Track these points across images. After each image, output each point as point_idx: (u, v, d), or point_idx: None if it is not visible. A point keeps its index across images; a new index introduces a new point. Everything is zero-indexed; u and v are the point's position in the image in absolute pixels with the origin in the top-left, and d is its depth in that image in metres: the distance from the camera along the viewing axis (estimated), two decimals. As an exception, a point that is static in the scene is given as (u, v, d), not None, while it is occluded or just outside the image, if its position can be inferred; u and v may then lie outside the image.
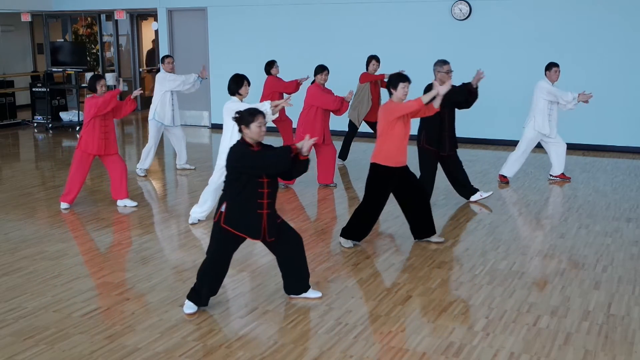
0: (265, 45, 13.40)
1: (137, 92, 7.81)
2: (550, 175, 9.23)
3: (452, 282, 5.68)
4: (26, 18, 15.90)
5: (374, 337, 4.66)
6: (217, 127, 14.04)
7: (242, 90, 6.97)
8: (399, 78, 6.10)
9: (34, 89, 14.73)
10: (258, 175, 4.77)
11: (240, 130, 4.82)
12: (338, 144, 10.52)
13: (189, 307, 5.03)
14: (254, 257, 6.28)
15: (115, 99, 7.62)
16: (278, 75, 10.08)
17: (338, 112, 8.40)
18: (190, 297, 5.04)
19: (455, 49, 11.86)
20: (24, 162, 11.42)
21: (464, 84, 7.44)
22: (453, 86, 7.51)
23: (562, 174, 9.19)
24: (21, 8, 15.58)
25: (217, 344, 4.56)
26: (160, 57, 9.92)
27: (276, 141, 11.09)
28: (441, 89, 6.08)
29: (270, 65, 10.06)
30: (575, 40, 11.20)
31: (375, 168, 6.26)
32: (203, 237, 7.05)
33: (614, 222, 7.30)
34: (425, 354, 4.42)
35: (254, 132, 4.75)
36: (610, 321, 4.88)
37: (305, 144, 4.70)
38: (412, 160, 9.36)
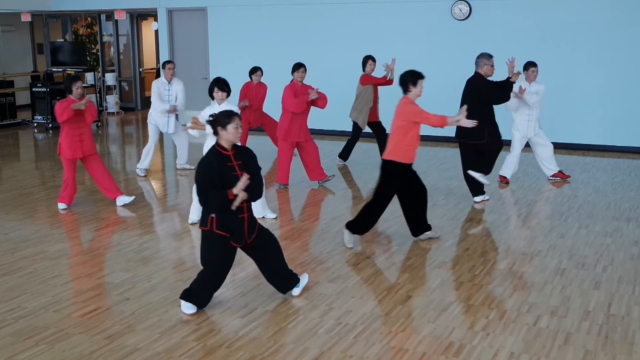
0: (266, 45, 13.40)
1: (79, 105, 7.51)
2: (549, 177, 9.23)
3: (452, 282, 5.68)
4: (26, 18, 15.91)
5: (374, 337, 4.66)
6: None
7: (214, 95, 6.96)
8: (417, 75, 6.21)
9: (34, 89, 14.73)
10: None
11: (215, 133, 4.84)
12: (340, 144, 10.52)
13: (188, 307, 5.02)
14: (254, 257, 6.28)
15: (68, 112, 7.44)
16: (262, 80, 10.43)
17: (304, 113, 8.49)
18: (187, 298, 5.01)
19: (455, 49, 11.86)
20: (24, 162, 11.42)
21: (505, 81, 7.71)
22: (496, 83, 7.63)
23: (561, 172, 9.18)
24: (21, 8, 15.58)
25: (217, 344, 4.56)
26: (162, 62, 9.84)
27: (263, 141, 11.12)
28: (466, 122, 6.14)
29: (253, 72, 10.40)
30: (575, 40, 11.20)
31: (391, 165, 6.28)
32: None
33: (614, 222, 7.30)
34: (425, 353, 4.42)
35: (230, 133, 4.77)
36: (610, 321, 4.88)
37: (239, 186, 4.73)
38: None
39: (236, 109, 6.76)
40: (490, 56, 7.67)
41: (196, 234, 7.15)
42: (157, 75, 15.86)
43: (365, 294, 5.40)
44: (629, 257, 6.22)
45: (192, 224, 7.27)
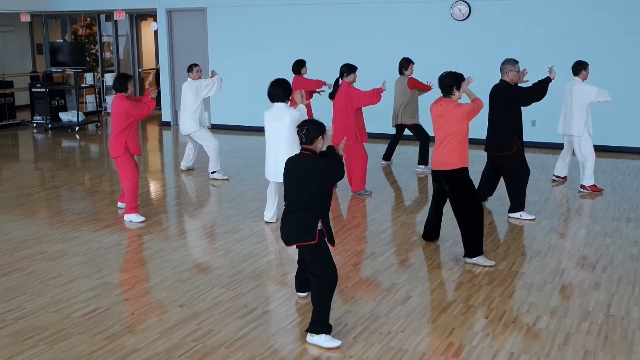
0: (265, 45, 13.40)
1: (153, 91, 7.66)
2: (553, 174, 9.25)
3: (452, 282, 5.68)
4: (25, 18, 15.90)
5: (374, 337, 4.66)
6: (216, 128, 14.03)
7: (290, 96, 6.89)
8: (460, 77, 5.96)
9: (33, 90, 14.72)
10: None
11: (307, 143, 4.65)
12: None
13: (332, 340, 4.55)
14: (253, 257, 6.28)
15: (152, 102, 7.44)
16: (305, 76, 10.35)
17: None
18: (322, 330, 4.56)
19: (455, 50, 11.87)
20: (23, 163, 11.41)
21: (541, 81, 7.39)
22: (528, 87, 7.38)
23: (566, 176, 9.23)
24: (20, 8, 15.57)
25: (216, 345, 4.56)
26: (188, 66, 9.69)
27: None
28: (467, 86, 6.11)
29: (300, 65, 10.34)
30: (574, 40, 11.20)
31: (463, 173, 6.00)
32: (202, 237, 7.05)
33: (613, 223, 7.30)
34: (425, 354, 4.42)
35: (325, 141, 4.72)
36: (610, 321, 4.88)
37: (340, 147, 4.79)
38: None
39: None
40: (515, 62, 7.26)
41: (196, 235, 7.15)
42: (157, 76, 15.85)
43: (365, 294, 5.40)
44: (628, 258, 6.22)
45: (268, 222, 7.33)
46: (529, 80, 7.55)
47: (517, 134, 7.31)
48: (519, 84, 7.45)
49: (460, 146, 5.97)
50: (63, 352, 4.46)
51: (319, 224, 4.58)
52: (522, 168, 7.40)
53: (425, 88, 9.75)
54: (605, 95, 8.54)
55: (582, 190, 8.59)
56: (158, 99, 15.65)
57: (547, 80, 7.41)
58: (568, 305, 5.17)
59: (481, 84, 7.60)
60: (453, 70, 6.05)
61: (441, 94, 6.06)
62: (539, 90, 7.37)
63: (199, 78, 9.55)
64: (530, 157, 9.62)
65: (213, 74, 9.66)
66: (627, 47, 10.98)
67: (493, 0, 11.74)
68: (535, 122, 11.35)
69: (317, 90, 10.25)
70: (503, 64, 7.33)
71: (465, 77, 6.06)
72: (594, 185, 8.58)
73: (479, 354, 4.41)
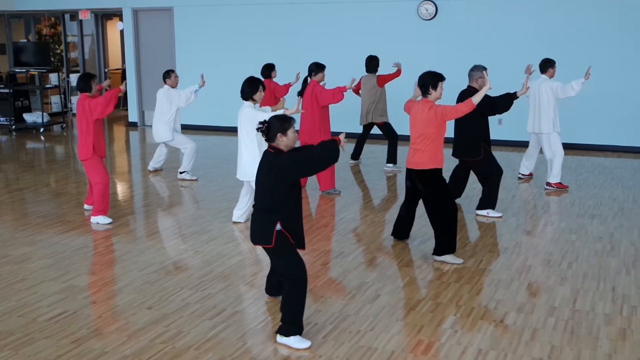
0: (232, 45, 13.36)
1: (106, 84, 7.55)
2: (519, 173, 9.36)
3: (420, 280, 5.72)
4: (-12, 18, 15.64)
5: (343, 336, 4.66)
6: (184, 128, 13.89)
7: (256, 96, 6.83)
8: (439, 77, 5.89)
9: (-4, 90, 14.46)
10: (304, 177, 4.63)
11: (270, 140, 4.51)
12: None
13: (302, 341, 4.52)
14: (222, 257, 6.25)
15: (115, 99, 7.15)
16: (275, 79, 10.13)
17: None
18: (292, 332, 4.54)
19: (422, 49, 11.95)
20: (-14, 165, 11.21)
21: (507, 94, 7.32)
22: (495, 97, 7.28)
23: (531, 173, 9.34)
24: (-18, 8, 15.31)
25: (185, 346, 4.53)
26: (164, 72, 9.61)
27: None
28: (485, 89, 5.95)
29: (269, 69, 10.05)
30: (541, 39, 11.34)
31: (436, 173, 5.97)
32: (170, 238, 7.00)
33: (578, 219, 7.41)
34: (394, 352, 4.44)
35: (291, 138, 4.49)
36: (576, 316, 4.96)
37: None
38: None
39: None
40: (484, 68, 7.20)
41: (163, 236, 7.10)
42: (123, 76, 15.70)
43: (334, 294, 5.41)
44: (593, 253, 6.32)
45: (235, 222, 7.31)
46: (529, 88, 7.60)
47: (484, 140, 7.35)
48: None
49: (433, 147, 5.93)
50: (29, 357, 4.39)
51: (278, 226, 4.48)
52: (493, 169, 7.44)
53: (394, 76, 9.76)
54: (569, 90, 8.53)
55: (547, 187, 8.71)
56: (125, 99, 15.55)
57: (513, 97, 7.30)
58: (535, 301, 5.24)
59: (447, 83, 7.64)
60: (432, 70, 6.00)
61: (416, 92, 6.06)
62: (505, 102, 7.30)
63: (177, 84, 9.52)
64: (496, 155, 9.68)
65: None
66: (592, 46, 11.15)
67: (460, 0, 11.84)
68: (501, 121, 11.47)
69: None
70: (472, 70, 7.27)
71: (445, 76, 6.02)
72: (559, 182, 8.70)
73: (448, 350, 4.45)
